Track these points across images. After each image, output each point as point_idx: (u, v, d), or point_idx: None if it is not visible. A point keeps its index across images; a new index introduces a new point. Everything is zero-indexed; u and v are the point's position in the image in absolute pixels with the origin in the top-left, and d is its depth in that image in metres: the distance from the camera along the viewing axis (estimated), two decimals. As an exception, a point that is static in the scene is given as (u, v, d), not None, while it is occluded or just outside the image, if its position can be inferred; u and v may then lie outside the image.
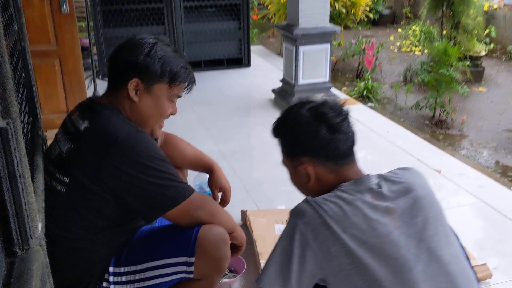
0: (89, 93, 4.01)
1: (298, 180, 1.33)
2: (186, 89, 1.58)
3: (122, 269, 1.55)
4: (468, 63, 5.24)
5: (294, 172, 1.33)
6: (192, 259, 1.51)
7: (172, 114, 1.59)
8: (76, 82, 3.64)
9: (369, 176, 1.26)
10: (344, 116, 1.27)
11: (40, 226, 1.12)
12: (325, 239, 1.15)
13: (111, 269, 1.54)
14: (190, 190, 1.49)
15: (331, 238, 1.15)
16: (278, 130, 1.35)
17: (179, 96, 1.58)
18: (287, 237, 1.20)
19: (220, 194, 1.96)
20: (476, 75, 6.06)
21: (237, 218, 2.57)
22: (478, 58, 6.17)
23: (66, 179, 1.43)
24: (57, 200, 1.45)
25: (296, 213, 1.21)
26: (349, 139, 1.27)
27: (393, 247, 1.15)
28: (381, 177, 1.28)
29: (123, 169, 1.38)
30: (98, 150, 1.39)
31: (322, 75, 4.24)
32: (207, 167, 1.95)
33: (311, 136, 1.25)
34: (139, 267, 1.54)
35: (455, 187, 3.01)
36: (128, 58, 1.48)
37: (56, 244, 1.45)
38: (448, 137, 4.60)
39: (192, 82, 1.58)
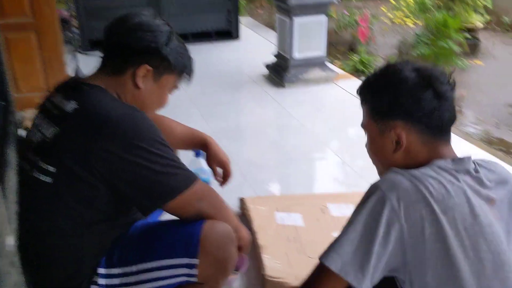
0: (69, 69, 3.73)
1: (381, 148, 1.18)
2: (188, 82, 1.51)
3: (115, 271, 1.38)
4: (467, 35, 5.06)
5: (379, 138, 1.17)
6: (195, 261, 1.35)
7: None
8: (56, 58, 3.40)
9: (469, 157, 1.13)
10: (452, 85, 1.14)
11: (11, 240, 0.92)
12: (421, 219, 1.01)
13: (102, 270, 1.38)
14: (194, 178, 1.34)
15: (428, 218, 1.01)
16: (373, 86, 1.19)
17: (177, 88, 1.49)
18: (373, 211, 1.04)
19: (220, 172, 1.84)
20: (473, 48, 5.89)
21: (234, 206, 2.38)
22: (474, 30, 5.99)
23: (53, 168, 1.26)
24: (41, 191, 1.28)
25: (387, 184, 1.05)
26: (452, 112, 1.14)
27: (495, 240, 1.04)
28: (475, 161, 1.15)
29: (118, 153, 1.22)
30: (88, 131, 1.23)
31: (318, 48, 4.02)
32: (201, 143, 1.82)
33: (415, 99, 1.10)
34: (134, 268, 1.38)
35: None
36: (143, 43, 1.35)
37: (41, 240, 1.31)
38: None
39: (192, 74, 1.51)
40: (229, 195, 2.46)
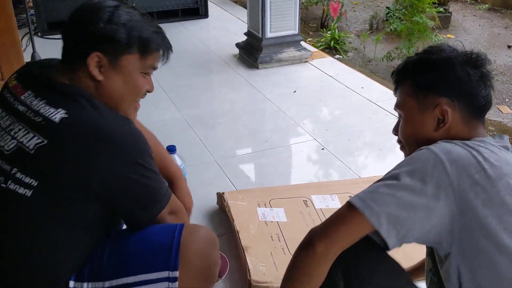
0: (26, 55, 3.47)
1: (420, 126, 1.16)
2: (162, 59, 1.31)
3: (84, 285, 1.25)
4: (441, 9, 4.97)
5: (418, 116, 1.16)
6: (176, 274, 1.24)
7: (148, 91, 1.34)
8: (11, 43, 3.11)
9: (506, 136, 1.15)
10: (490, 69, 1.17)
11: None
12: (475, 183, 1.00)
13: (71, 283, 1.25)
14: (170, 191, 1.33)
15: (482, 183, 1.00)
16: (419, 62, 1.18)
17: (154, 68, 1.31)
18: (421, 171, 1.01)
19: None
20: (444, 21, 5.81)
21: (212, 201, 2.24)
22: (445, 2, 5.91)
23: (34, 181, 1.13)
24: (17, 205, 1.16)
25: (440, 148, 1.04)
26: (491, 96, 1.16)
27: None
28: None
29: (120, 171, 1.15)
30: (87, 147, 1.12)
31: (291, 27, 3.85)
32: (169, 178, 1.62)
33: (466, 77, 1.11)
34: (107, 284, 1.25)
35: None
36: (85, 27, 1.21)
37: (11, 258, 1.19)
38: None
39: (168, 48, 1.32)
40: (206, 189, 2.33)
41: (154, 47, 1.27)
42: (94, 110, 1.17)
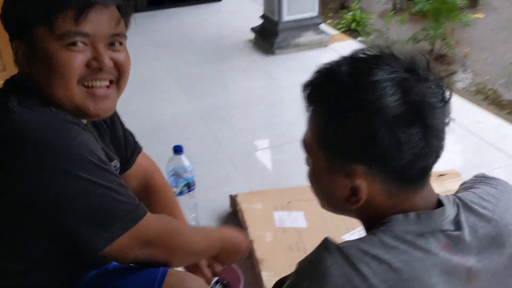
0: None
1: (328, 189, 0.80)
2: (82, 17, 0.96)
3: None
4: (470, -14, 4.65)
5: (326, 176, 0.79)
6: None
7: (99, 68, 1.00)
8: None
9: (443, 208, 0.77)
10: (446, 101, 0.74)
11: None
12: None
13: None
14: (139, 214, 0.97)
15: None
16: (330, 101, 0.76)
17: (86, 34, 0.97)
18: None
19: None
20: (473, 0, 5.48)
21: (225, 203, 2.04)
22: (473, -21, 5.56)
23: None
24: None
25: (311, 272, 0.72)
26: (439, 149, 0.75)
27: None
28: (461, 203, 0.79)
29: (42, 181, 0.89)
30: (5, 153, 0.91)
31: (309, 8, 3.61)
32: None
33: (395, 142, 0.70)
34: None
35: (476, 141, 2.54)
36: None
37: None
38: (451, 74, 4.09)
39: (87, 3, 0.96)
40: (218, 190, 2.13)
41: (57, 7, 0.96)
42: (19, 102, 0.94)
